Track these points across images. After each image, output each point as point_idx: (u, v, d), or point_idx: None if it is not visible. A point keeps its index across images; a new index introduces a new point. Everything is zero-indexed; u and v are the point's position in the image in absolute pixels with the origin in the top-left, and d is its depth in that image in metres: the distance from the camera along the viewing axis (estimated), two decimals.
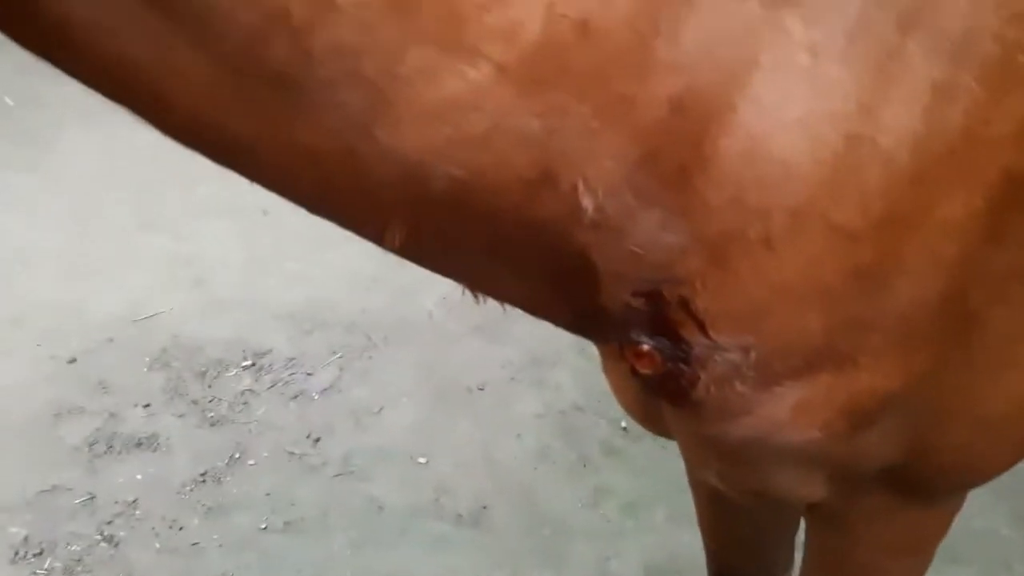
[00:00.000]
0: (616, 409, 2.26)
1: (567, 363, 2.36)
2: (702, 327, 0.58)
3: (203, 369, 2.28)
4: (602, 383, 2.48)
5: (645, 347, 0.61)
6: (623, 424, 2.21)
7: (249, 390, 2.24)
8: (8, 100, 3.16)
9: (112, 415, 2.14)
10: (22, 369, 2.23)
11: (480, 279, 0.61)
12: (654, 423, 0.85)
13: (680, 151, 0.53)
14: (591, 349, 2.53)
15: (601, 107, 0.50)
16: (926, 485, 0.74)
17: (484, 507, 2.01)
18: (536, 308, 0.65)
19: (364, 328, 2.43)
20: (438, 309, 2.50)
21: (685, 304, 0.57)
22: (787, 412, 0.61)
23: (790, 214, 0.54)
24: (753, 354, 0.58)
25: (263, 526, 1.95)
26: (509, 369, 2.34)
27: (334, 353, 2.35)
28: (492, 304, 2.26)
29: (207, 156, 0.52)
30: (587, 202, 0.52)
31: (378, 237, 0.57)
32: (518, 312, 2.37)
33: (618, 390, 0.87)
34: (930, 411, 0.64)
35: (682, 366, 0.60)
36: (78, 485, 1.98)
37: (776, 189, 0.54)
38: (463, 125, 0.48)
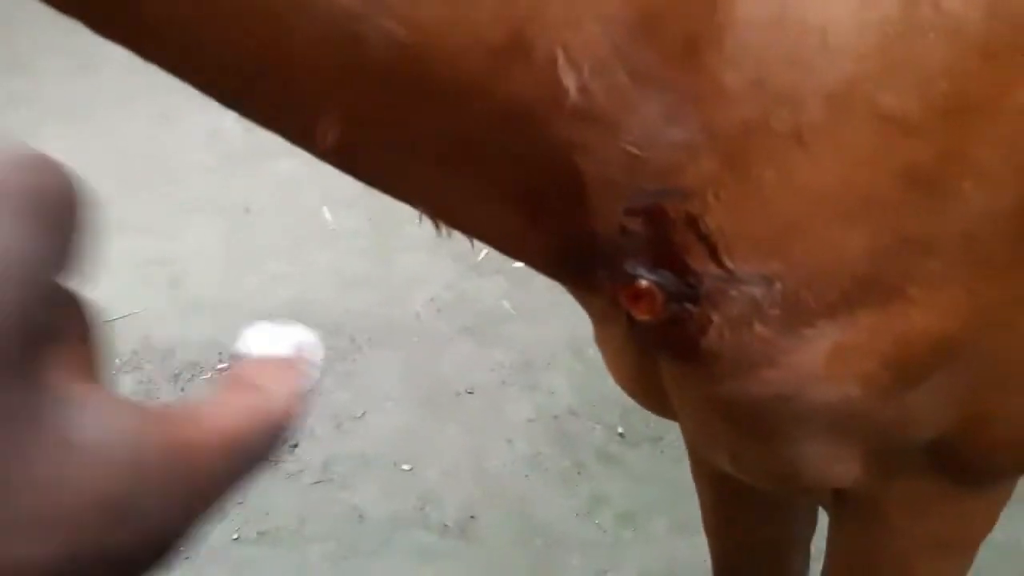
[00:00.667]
0: (612, 414, 2.14)
1: (561, 366, 2.24)
2: (714, 252, 0.46)
3: (176, 372, 2.16)
4: (598, 387, 2.36)
5: (643, 283, 0.49)
6: (620, 430, 2.09)
7: None
8: None
9: None
10: None
11: (435, 198, 0.49)
12: (656, 399, 0.72)
13: (688, 15, 0.41)
14: (587, 351, 2.42)
15: None
16: (978, 465, 0.62)
17: (472, 516, 1.89)
18: (505, 240, 0.53)
19: (348, 330, 2.31)
20: (426, 310, 2.39)
21: (693, 223, 0.46)
22: (819, 361, 0.49)
23: (827, 99, 0.43)
24: (779, 286, 0.47)
25: (235, 536, 1.82)
26: (500, 372, 2.22)
27: None
28: (483, 305, 2.15)
29: (76, 15, 0.40)
30: (569, 80, 0.41)
31: (307, 135, 0.45)
32: (509, 313, 2.26)
33: (613, 363, 0.74)
34: (994, 364, 0.52)
35: (689, 306, 0.49)
36: None
37: (809, 67, 0.42)
38: None
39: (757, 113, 0.43)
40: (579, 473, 1.99)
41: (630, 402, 2.41)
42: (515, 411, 2.13)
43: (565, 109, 0.42)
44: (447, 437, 2.06)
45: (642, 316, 0.51)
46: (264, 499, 1.89)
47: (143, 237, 2.52)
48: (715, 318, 0.49)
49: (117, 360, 2.15)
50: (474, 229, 0.53)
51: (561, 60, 0.40)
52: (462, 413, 2.12)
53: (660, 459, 2.02)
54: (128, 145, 2.81)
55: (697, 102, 0.43)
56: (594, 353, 2.47)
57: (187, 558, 1.77)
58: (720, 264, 0.46)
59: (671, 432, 2.06)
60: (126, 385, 2.10)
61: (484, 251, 2.54)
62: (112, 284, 2.36)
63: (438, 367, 2.23)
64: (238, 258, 2.49)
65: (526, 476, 1.98)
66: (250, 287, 2.41)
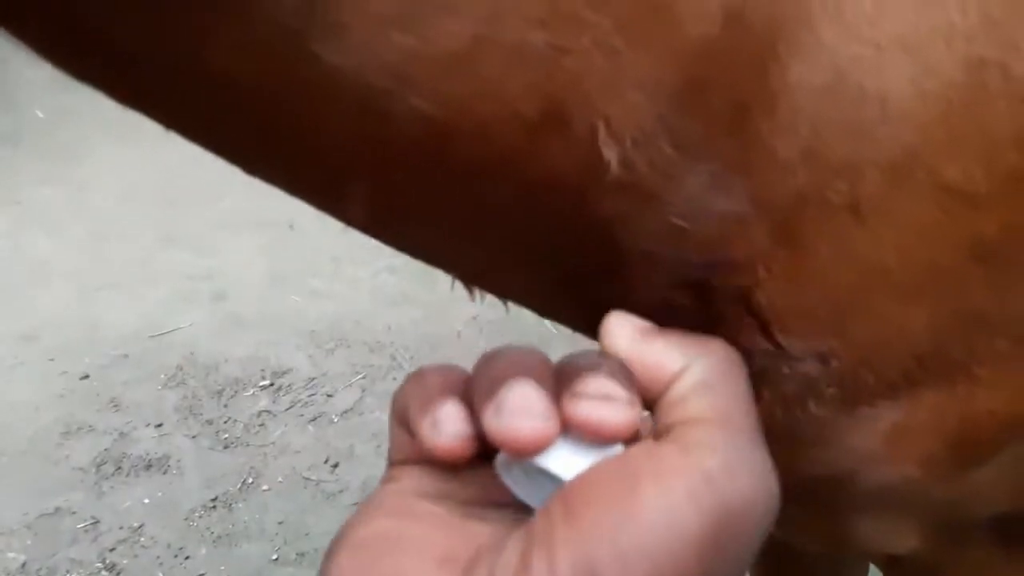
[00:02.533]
0: None
1: None
2: (766, 329, 0.43)
3: (219, 388, 2.17)
4: None
5: None
6: None
7: (266, 411, 2.12)
8: (39, 113, 3.12)
9: (122, 434, 2.04)
10: (33, 385, 2.14)
11: (467, 268, 0.47)
12: None
13: (738, 82, 0.38)
14: None
15: (625, 17, 0.36)
16: None
17: None
18: (543, 306, 0.51)
19: (389, 348, 2.31)
20: (467, 328, 2.37)
21: (743, 297, 0.43)
22: (878, 442, 0.46)
23: (886, 171, 0.40)
24: (835, 364, 0.44)
25: (274, 557, 1.82)
26: None
27: (357, 374, 2.23)
28: (524, 324, 2.12)
29: (97, 86, 0.39)
30: (609, 153, 0.38)
31: (337, 206, 0.43)
32: (552, 333, 2.22)
33: None
34: None
35: None
36: (82, 508, 1.88)
37: (868, 136, 0.39)
38: (433, 34, 0.34)
39: (811, 184, 0.40)
40: None
41: None
42: None
43: (605, 182, 0.39)
44: None
45: None
46: (304, 519, 1.89)
47: (188, 253, 2.54)
48: (766, 394, 0.46)
49: (162, 375, 2.17)
50: (505, 293, 0.51)
51: (601, 133, 0.38)
52: None
53: None
54: (174, 162, 2.85)
55: (746, 172, 0.40)
56: None
57: None
58: (772, 340, 0.44)
59: None
60: (170, 401, 2.12)
61: None
62: (158, 299, 2.39)
63: None
64: (281, 274, 2.50)
65: None
66: (292, 303, 2.42)
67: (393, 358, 2.28)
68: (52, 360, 2.19)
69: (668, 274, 0.43)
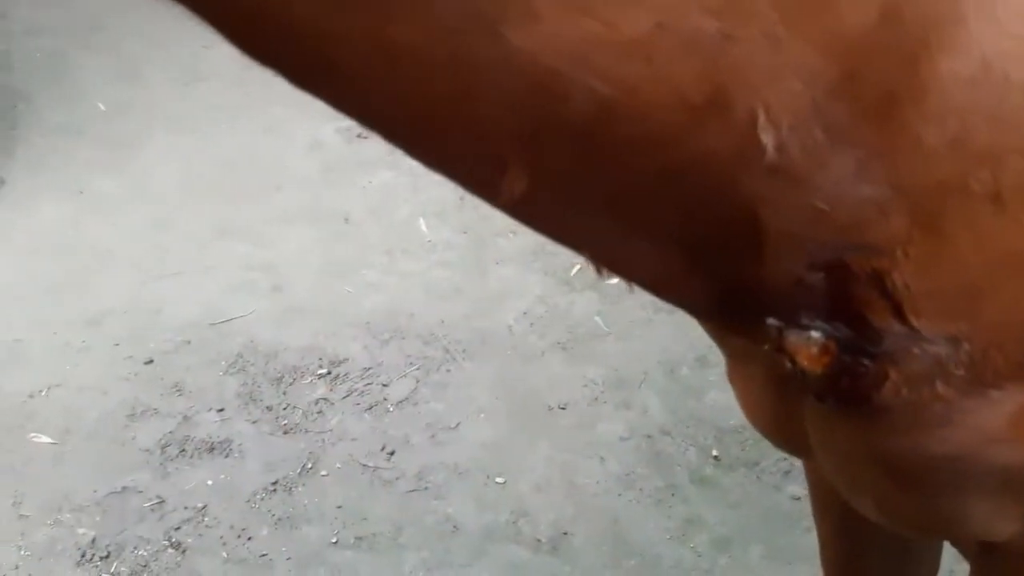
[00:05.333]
0: (707, 436, 2.12)
1: (654, 384, 2.22)
2: (899, 310, 0.45)
3: (278, 375, 2.21)
4: (691, 407, 2.34)
5: (815, 335, 0.48)
6: (714, 452, 2.06)
7: (324, 399, 2.16)
8: (100, 105, 3.20)
9: (186, 418, 2.09)
10: (99, 369, 2.21)
11: (607, 246, 0.50)
12: (788, 438, 0.72)
13: (889, 73, 0.41)
14: (680, 370, 2.39)
15: (792, 8, 0.38)
16: None
17: (564, 533, 1.89)
18: (669, 287, 0.53)
19: (442, 340, 2.34)
20: (519, 323, 2.40)
21: (879, 279, 0.45)
22: (1003, 423, 0.48)
23: None
24: (965, 347, 0.46)
25: (334, 540, 1.86)
26: (592, 389, 2.22)
27: (411, 365, 2.26)
28: (575, 320, 2.14)
29: (273, 64, 0.42)
30: (767, 137, 0.40)
31: (493, 186, 0.46)
32: (602, 329, 2.24)
33: (746, 397, 0.74)
34: None
35: (865, 361, 0.48)
36: (148, 488, 1.93)
37: (1013, 126, 0.42)
38: (618, 21, 0.37)
39: (955, 172, 0.42)
40: (673, 495, 1.97)
41: (725, 424, 2.38)
42: (607, 429, 2.12)
43: (758, 165, 0.42)
44: (539, 452, 2.07)
45: (810, 366, 0.51)
46: (361, 505, 1.93)
47: (246, 244, 2.59)
48: (893, 374, 0.48)
49: (223, 362, 2.23)
50: (636, 275, 0.53)
51: (761, 118, 0.40)
52: (554, 428, 2.13)
53: (756, 484, 1.98)
54: (232, 155, 2.90)
55: (892, 159, 0.42)
56: (688, 372, 2.44)
57: (288, 559, 1.82)
58: (905, 322, 0.46)
59: (767, 457, 2.02)
60: (231, 387, 2.17)
61: (577, 266, 2.54)
62: (218, 288, 2.44)
63: (530, 381, 2.24)
64: (336, 266, 2.54)
65: (619, 495, 1.97)
66: (347, 295, 2.46)
67: (446, 350, 2.31)
68: (117, 345, 2.25)
69: (805, 255, 0.46)
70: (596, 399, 2.19)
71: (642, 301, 2.36)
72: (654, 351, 2.27)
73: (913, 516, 0.61)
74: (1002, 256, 0.44)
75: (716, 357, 2.32)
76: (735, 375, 0.74)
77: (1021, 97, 0.41)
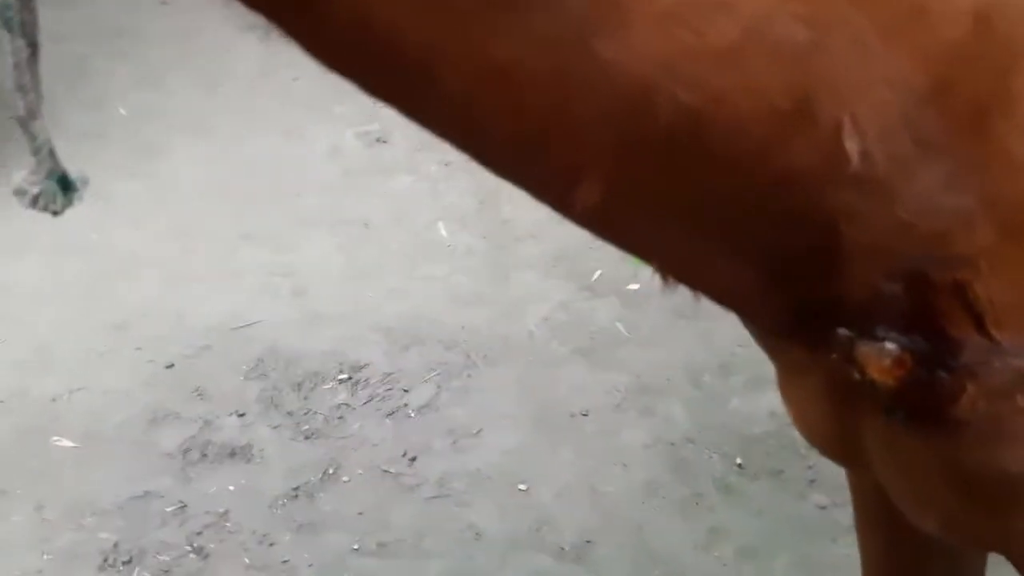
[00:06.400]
0: (731, 444, 2.11)
1: (678, 392, 2.21)
2: (980, 322, 0.45)
3: (299, 381, 2.21)
4: (715, 415, 2.33)
5: (890, 347, 0.48)
6: (739, 460, 2.04)
7: (345, 404, 2.16)
8: (122, 111, 3.21)
9: (207, 423, 2.09)
10: (122, 373, 2.21)
11: (679, 257, 0.49)
12: (844, 451, 0.70)
13: (981, 84, 0.40)
14: (703, 377, 2.38)
15: (884, 17, 0.38)
16: None
17: (588, 541, 1.87)
18: (739, 299, 0.53)
19: (463, 346, 2.33)
20: (540, 329, 2.39)
21: (961, 291, 0.44)
22: None
23: None
24: None
25: (355, 547, 1.86)
26: (615, 396, 2.20)
27: (432, 370, 2.26)
28: (597, 326, 2.13)
29: (363, 81, 0.42)
30: (852, 146, 0.40)
31: (567, 194, 0.46)
32: (624, 336, 2.23)
33: (801, 413, 0.73)
34: None
35: (942, 374, 0.47)
36: (170, 493, 1.93)
37: None
38: (708, 30, 0.36)
39: None
40: (697, 504, 1.95)
41: (749, 432, 2.36)
42: (630, 436, 2.11)
43: (843, 176, 0.41)
44: (562, 459, 2.06)
45: (881, 378, 0.50)
46: (383, 511, 1.92)
47: (267, 249, 2.60)
48: (971, 388, 0.47)
49: (244, 367, 2.23)
50: (706, 287, 0.53)
51: (847, 127, 0.40)
52: (577, 435, 2.12)
53: (781, 493, 1.97)
54: (253, 160, 2.91)
55: (980, 171, 0.42)
56: (711, 379, 2.43)
57: (311, 565, 1.82)
58: (986, 334, 0.45)
59: (793, 466, 2.01)
60: (252, 392, 2.17)
61: (599, 271, 2.54)
62: (239, 293, 2.44)
63: (552, 388, 2.23)
64: (357, 271, 2.54)
65: (642, 503, 1.96)
66: (368, 300, 2.46)
67: (468, 356, 2.31)
68: (139, 349, 2.26)
69: (885, 266, 0.45)
70: (619, 406, 2.18)
71: (664, 307, 2.35)
72: (677, 357, 2.26)
73: (982, 533, 0.60)
74: None
75: (740, 364, 2.32)
76: (788, 387, 0.73)
77: None
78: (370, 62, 0.40)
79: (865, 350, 0.49)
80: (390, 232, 2.65)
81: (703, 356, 2.25)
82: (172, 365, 2.24)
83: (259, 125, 3.02)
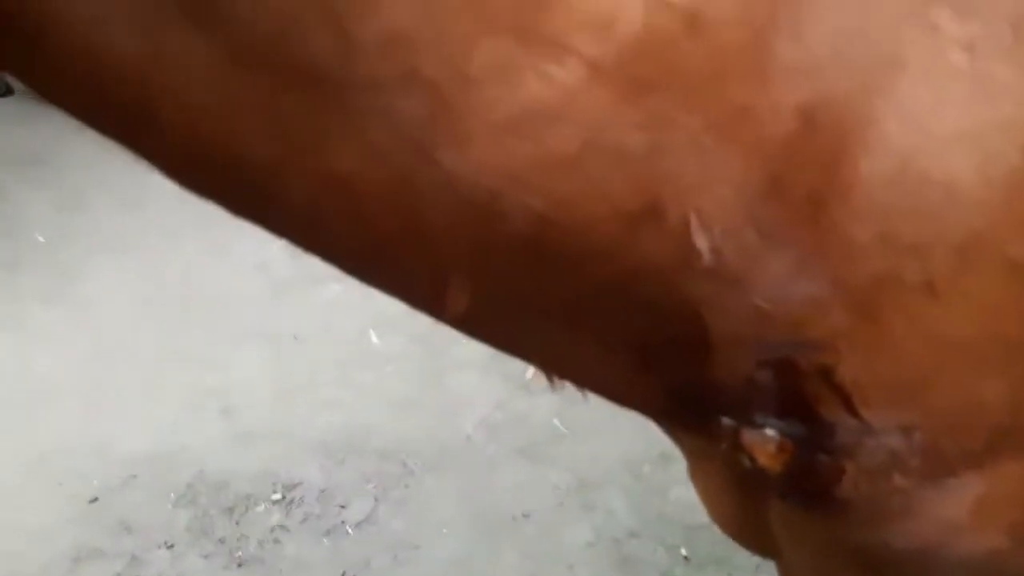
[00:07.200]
0: (675, 535, 2.08)
1: (617, 484, 2.19)
2: (849, 403, 0.46)
3: (231, 505, 2.13)
4: (656, 506, 2.30)
5: (770, 433, 0.48)
6: (683, 552, 2.02)
7: (280, 526, 2.08)
8: (40, 237, 3.16)
9: (134, 558, 1.99)
10: (42, 510, 2.10)
11: (556, 354, 0.50)
12: (755, 537, 0.70)
13: (813, 175, 0.42)
14: (643, 469, 2.37)
15: (715, 119, 0.40)
16: None
17: None
18: (621, 390, 0.53)
19: (400, 455, 2.29)
20: (477, 432, 2.36)
21: (826, 374, 0.45)
22: (964, 512, 0.47)
23: (957, 251, 0.43)
24: (917, 436, 0.46)
25: None
26: (556, 494, 2.17)
27: (369, 482, 2.20)
28: (535, 424, 2.12)
29: (212, 196, 0.42)
30: (701, 242, 0.41)
31: (437, 301, 0.46)
32: (561, 432, 2.22)
33: (709, 497, 0.73)
34: None
35: (822, 456, 0.48)
36: None
37: (937, 219, 0.43)
38: (548, 140, 0.38)
39: (887, 265, 0.43)
40: None
41: (693, 521, 2.34)
42: (574, 534, 2.07)
43: (696, 269, 0.42)
44: (506, 564, 2.00)
45: (769, 464, 0.50)
46: None
47: (194, 368, 2.54)
48: (849, 468, 0.48)
49: (172, 495, 2.14)
50: (587, 380, 0.53)
51: (694, 223, 0.41)
52: (519, 538, 2.07)
53: None
54: (177, 277, 2.87)
55: (825, 256, 0.43)
56: (650, 470, 2.41)
57: None
58: (855, 414, 0.46)
59: (738, 553, 1.98)
60: (181, 520, 2.08)
61: (532, 369, 2.54)
62: (165, 416, 2.37)
63: (493, 491, 2.19)
64: (288, 386, 2.50)
65: None
66: (301, 414, 2.41)
67: (405, 465, 2.26)
68: (61, 484, 2.16)
69: (752, 354, 0.46)
70: (561, 504, 2.15)
71: (600, 401, 2.35)
72: (615, 451, 2.25)
73: None
74: (941, 345, 0.44)
75: (679, 453, 2.32)
76: (696, 474, 0.73)
77: (941, 192, 0.43)
78: (208, 177, 0.41)
79: (749, 437, 0.50)
80: (321, 343, 2.62)
81: (641, 447, 2.24)
82: (96, 499, 2.14)
83: (184, 242, 3.00)
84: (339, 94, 0.36)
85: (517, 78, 0.37)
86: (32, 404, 2.39)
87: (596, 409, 2.53)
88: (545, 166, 0.38)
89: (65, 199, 3.27)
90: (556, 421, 2.36)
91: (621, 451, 2.24)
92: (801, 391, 0.46)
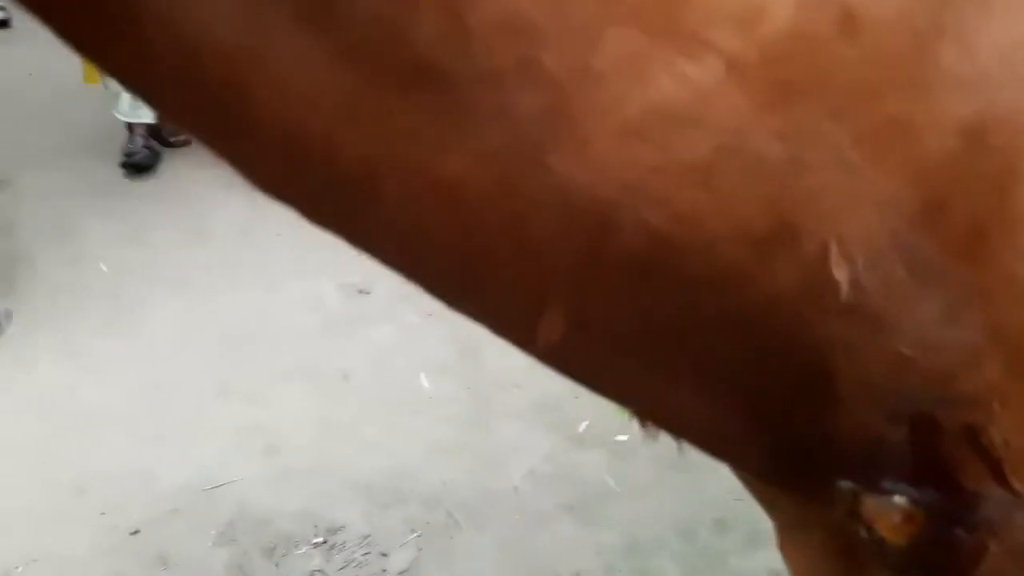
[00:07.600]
0: None
1: (670, 549, 2.09)
2: (998, 470, 0.39)
3: (271, 545, 2.09)
4: (709, 572, 2.20)
5: (898, 500, 0.42)
6: None
7: (319, 571, 2.03)
8: (103, 267, 3.20)
9: None
10: (83, 540, 2.08)
11: (654, 395, 0.44)
12: None
13: (975, 202, 0.36)
14: (698, 532, 2.28)
15: (866, 133, 0.35)
16: None
17: None
18: (724, 441, 0.47)
19: (445, 504, 2.22)
20: (525, 483, 2.29)
21: (973, 435, 0.39)
22: None
23: None
24: None
25: None
26: (605, 555, 2.08)
27: (413, 531, 2.14)
28: (584, 480, 2.05)
29: (300, 204, 0.38)
30: (840, 274, 0.36)
31: (529, 327, 0.41)
32: (612, 489, 2.15)
33: (802, 570, 0.65)
34: None
35: (959, 531, 0.41)
36: None
37: None
38: (675, 147, 0.33)
39: None
40: None
41: None
42: None
43: (831, 305, 0.37)
44: None
45: (891, 536, 0.44)
46: None
47: (241, 404, 2.52)
48: (993, 546, 0.41)
49: (212, 531, 2.10)
50: (686, 429, 0.47)
51: (834, 252, 0.36)
52: None
53: None
54: (231, 313, 2.88)
55: (983, 299, 0.37)
56: (706, 535, 2.32)
57: None
58: (1005, 484, 0.39)
59: None
60: (220, 558, 2.04)
61: (585, 422, 2.46)
62: (211, 451, 2.35)
63: (539, 548, 2.11)
64: (334, 425, 2.46)
65: None
66: (345, 456, 2.37)
67: (450, 515, 2.19)
68: (103, 514, 2.14)
69: (886, 408, 0.40)
70: (610, 567, 2.06)
71: (654, 458, 2.27)
72: (669, 512, 2.15)
73: None
74: None
75: (736, 518, 2.21)
76: (788, 545, 0.66)
77: None
78: (304, 181, 0.37)
79: (871, 504, 0.43)
80: (369, 384, 2.59)
81: (697, 510, 2.15)
82: (137, 531, 2.11)
83: (240, 280, 3.01)
84: (449, 89, 0.32)
85: (647, 74, 0.32)
86: (78, 432, 2.38)
87: (650, 467, 2.45)
88: (668, 175, 0.34)
89: (129, 232, 3.32)
90: (608, 477, 2.28)
91: (675, 513, 2.14)
92: (940, 454, 0.40)
